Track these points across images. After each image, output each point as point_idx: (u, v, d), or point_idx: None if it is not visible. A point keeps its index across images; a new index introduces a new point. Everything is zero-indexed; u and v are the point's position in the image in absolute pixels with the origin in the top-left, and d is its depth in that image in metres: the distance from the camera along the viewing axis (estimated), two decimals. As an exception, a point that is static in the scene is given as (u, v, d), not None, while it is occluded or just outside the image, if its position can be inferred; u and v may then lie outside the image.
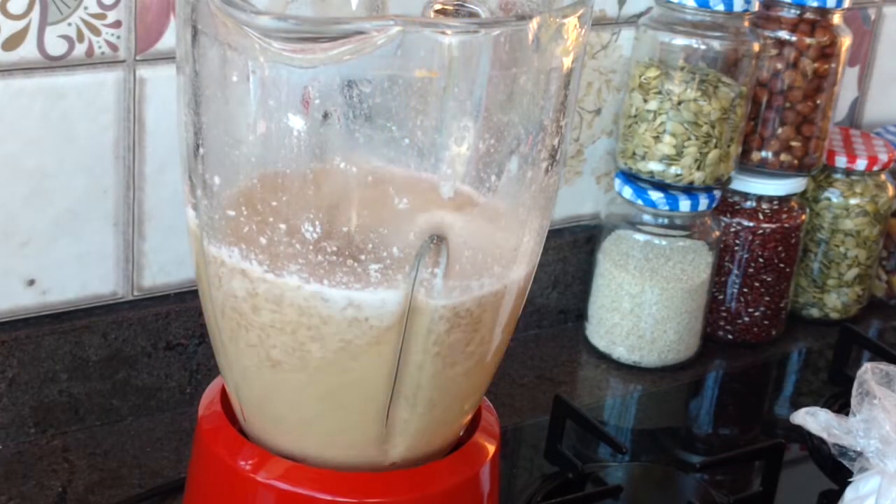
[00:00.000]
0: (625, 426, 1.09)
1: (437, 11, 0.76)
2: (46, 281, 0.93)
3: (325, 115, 0.66)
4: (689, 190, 1.11)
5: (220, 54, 0.66)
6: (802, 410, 0.92)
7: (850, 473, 0.96)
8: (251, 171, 0.68)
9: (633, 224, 1.13)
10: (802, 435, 0.98)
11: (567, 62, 0.69)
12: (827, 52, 1.15)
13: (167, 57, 0.92)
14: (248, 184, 0.68)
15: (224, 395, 0.77)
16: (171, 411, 1.00)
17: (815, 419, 0.91)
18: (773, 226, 1.17)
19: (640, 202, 1.11)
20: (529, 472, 0.98)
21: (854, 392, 0.91)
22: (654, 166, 1.10)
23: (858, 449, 0.89)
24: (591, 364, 1.15)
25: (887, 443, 0.86)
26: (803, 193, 1.22)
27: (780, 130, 1.16)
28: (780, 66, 1.15)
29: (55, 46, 0.88)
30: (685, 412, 1.12)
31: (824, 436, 0.91)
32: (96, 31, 0.89)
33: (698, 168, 1.10)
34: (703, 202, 1.11)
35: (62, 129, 0.90)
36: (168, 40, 0.92)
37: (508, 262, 0.71)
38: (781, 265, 1.19)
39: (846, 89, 1.34)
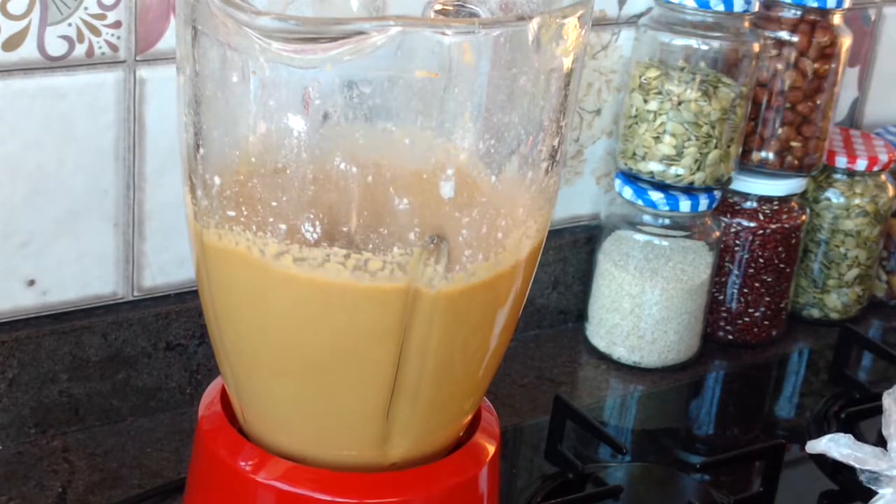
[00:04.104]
0: (625, 426, 1.09)
1: (437, 11, 0.76)
2: (46, 281, 0.93)
3: (325, 116, 0.66)
4: (690, 190, 1.11)
5: (220, 54, 0.66)
6: (825, 438, 0.92)
7: (851, 474, 0.96)
8: (251, 171, 0.68)
9: (634, 224, 1.13)
10: (802, 435, 0.98)
11: (567, 62, 0.69)
12: (827, 53, 1.15)
13: (167, 57, 0.92)
14: (248, 184, 0.68)
15: (224, 396, 0.77)
16: (172, 412, 1.00)
17: (837, 446, 0.91)
18: (774, 226, 1.17)
19: (640, 202, 1.11)
20: (529, 473, 0.98)
21: (884, 422, 0.92)
22: (655, 167, 1.10)
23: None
24: (591, 364, 1.15)
25: None
26: (803, 194, 1.22)
27: (780, 131, 1.16)
28: (780, 66, 1.15)
29: (55, 47, 0.88)
30: (685, 412, 1.12)
31: (850, 462, 0.91)
32: (96, 32, 0.89)
33: (698, 168, 1.10)
34: (704, 202, 1.11)
35: (62, 129, 0.90)
36: (168, 40, 0.92)
37: (508, 261, 0.71)
38: (782, 265, 1.19)
39: (846, 89, 1.34)
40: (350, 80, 0.65)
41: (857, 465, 0.93)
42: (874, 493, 0.91)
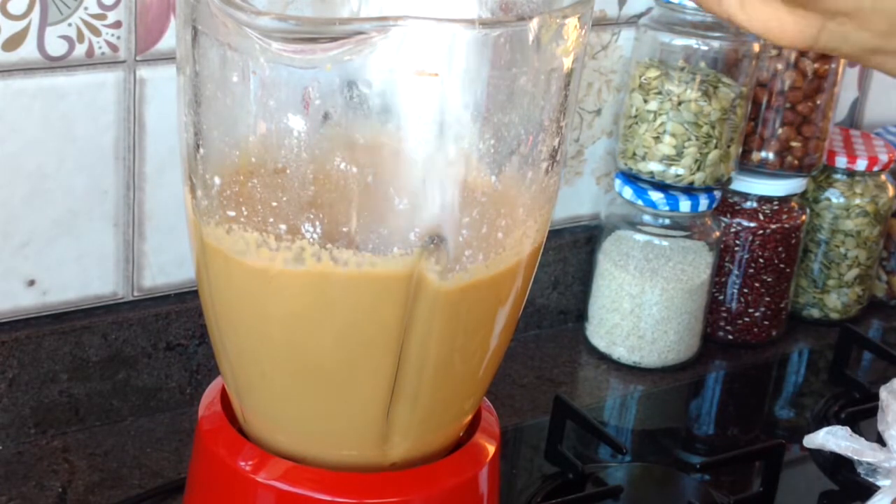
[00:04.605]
0: (625, 426, 1.09)
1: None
2: (46, 281, 0.93)
3: (325, 116, 0.66)
4: (690, 190, 1.11)
5: (220, 54, 0.66)
6: (822, 431, 0.92)
7: (851, 473, 0.96)
8: (251, 171, 0.68)
9: (634, 224, 1.13)
10: (802, 435, 0.98)
11: (567, 62, 0.69)
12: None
13: (167, 57, 0.92)
14: (248, 184, 0.68)
15: (224, 396, 0.77)
16: (172, 412, 1.00)
17: (835, 438, 0.91)
18: (774, 226, 1.17)
19: (640, 202, 1.11)
20: (529, 473, 0.98)
21: (880, 416, 0.92)
22: (655, 167, 1.10)
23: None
24: (591, 364, 1.15)
25: None
26: (803, 194, 1.22)
27: (780, 131, 1.16)
28: (780, 66, 1.15)
29: (55, 47, 0.88)
30: (685, 412, 1.12)
31: (848, 454, 0.91)
32: (96, 32, 0.89)
33: (698, 168, 1.10)
34: (704, 202, 1.11)
35: (62, 130, 0.90)
36: (168, 40, 0.92)
37: (509, 261, 0.71)
38: (782, 265, 1.19)
39: (846, 89, 1.34)
40: (350, 80, 0.65)
41: (854, 458, 0.93)
42: (873, 493, 0.91)
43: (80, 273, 0.94)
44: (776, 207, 1.18)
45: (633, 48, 1.14)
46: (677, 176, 1.10)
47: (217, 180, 0.69)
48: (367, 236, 0.67)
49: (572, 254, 1.19)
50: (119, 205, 0.94)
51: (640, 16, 1.14)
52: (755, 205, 1.18)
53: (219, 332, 0.73)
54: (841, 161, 1.22)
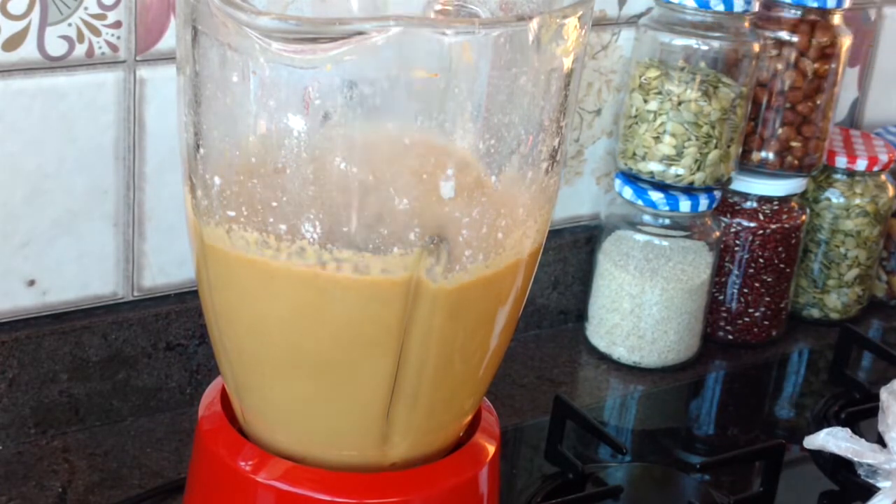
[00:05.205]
0: (625, 426, 1.09)
1: (437, 11, 0.76)
2: (46, 281, 0.93)
3: (325, 116, 0.66)
4: (690, 190, 1.11)
5: (220, 54, 0.66)
6: (823, 432, 0.92)
7: (851, 474, 0.96)
8: (251, 171, 0.68)
9: (634, 224, 1.13)
10: (802, 435, 0.98)
11: (567, 62, 0.69)
12: (827, 53, 1.15)
13: (167, 57, 0.92)
14: (248, 184, 0.68)
15: (224, 396, 0.77)
16: (172, 412, 1.00)
17: (835, 440, 0.91)
18: (774, 226, 1.17)
19: (640, 203, 1.11)
20: (529, 473, 0.98)
21: (880, 417, 0.92)
22: (655, 167, 1.10)
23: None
24: (591, 364, 1.15)
25: None
26: (803, 194, 1.22)
27: (780, 131, 1.16)
28: (780, 66, 1.15)
29: (55, 47, 0.88)
30: (685, 412, 1.12)
31: (848, 456, 0.91)
32: (96, 32, 0.89)
33: (698, 168, 1.10)
34: (704, 202, 1.11)
35: (62, 129, 0.90)
36: (168, 40, 0.92)
37: (509, 261, 0.71)
38: (782, 265, 1.19)
39: (846, 89, 1.34)
40: (350, 80, 0.65)
41: (854, 459, 0.93)
42: (874, 493, 0.91)
43: (80, 273, 0.94)
44: (776, 207, 1.18)
45: (633, 48, 1.14)
46: (677, 176, 1.10)
47: (217, 180, 0.69)
48: (367, 236, 0.67)
49: (572, 254, 1.19)
50: (119, 205, 0.94)
51: (640, 16, 1.14)
52: (755, 205, 1.18)
53: (219, 332, 0.73)
54: (841, 161, 1.22)
